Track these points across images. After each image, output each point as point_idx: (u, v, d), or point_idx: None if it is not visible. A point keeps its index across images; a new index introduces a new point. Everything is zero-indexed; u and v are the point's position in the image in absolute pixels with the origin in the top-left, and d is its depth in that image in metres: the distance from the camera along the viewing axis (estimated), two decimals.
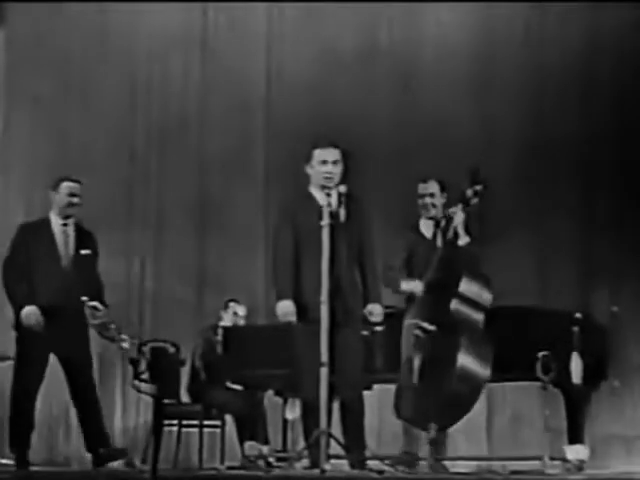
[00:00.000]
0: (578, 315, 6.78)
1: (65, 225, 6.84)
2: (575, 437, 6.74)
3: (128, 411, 9.15)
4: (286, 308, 5.91)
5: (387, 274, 6.72)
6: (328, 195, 5.89)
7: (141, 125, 9.62)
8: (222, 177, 9.46)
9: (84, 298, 6.68)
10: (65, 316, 6.62)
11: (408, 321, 6.37)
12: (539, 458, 6.30)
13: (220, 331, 7.82)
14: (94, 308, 6.73)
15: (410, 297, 6.62)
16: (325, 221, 5.76)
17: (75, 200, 6.84)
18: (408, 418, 6.40)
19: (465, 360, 6.12)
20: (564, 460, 6.75)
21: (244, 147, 9.54)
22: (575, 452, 6.78)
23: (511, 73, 9.37)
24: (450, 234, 6.50)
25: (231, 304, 8.49)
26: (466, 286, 6.31)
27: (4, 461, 7.44)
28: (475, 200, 6.53)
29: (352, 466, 5.92)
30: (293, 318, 5.92)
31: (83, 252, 6.84)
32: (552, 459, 6.34)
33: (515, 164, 9.23)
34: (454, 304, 6.27)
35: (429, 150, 9.24)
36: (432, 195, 6.80)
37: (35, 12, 9.33)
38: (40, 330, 6.57)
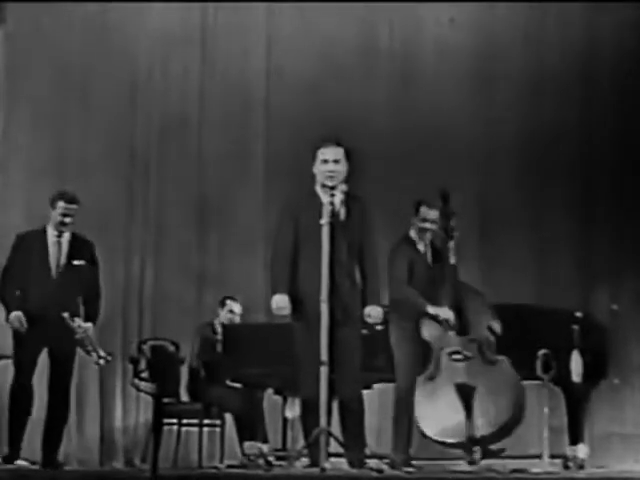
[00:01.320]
0: (578, 314, 6.80)
1: (59, 237, 7.04)
2: (575, 435, 6.75)
3: (128, 410, 9.14)
4: (280, 302, 5.91)
5: (408, 289, 6.75)
6: (332, 195, 5.87)
7: (141, 124, 9.59)
8: (222, 176, 9.45)
9: (65, 314, 6.88)
10: (52, 323, 6.85)
11: (449, 348, 6.48)
12: (539, 456, 6.30)
13: (220, 330, 7.82)
14: (77, 325, 6.91)
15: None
16: (325, 219, 5.74)
17: (67, 220, 7.02)
18: (450, 443, 6.49)
19: (518, 389, 6.32)
20: (564, 458, 6.76)
21: (244, 146, 9.53)
22: (575, 450, 6.79)
23: (511, 73, 9.37)
24: (450, 255, 6.65)
25: (227, 301, 8.47)
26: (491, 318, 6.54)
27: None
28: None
29: (351, 465, 5.90)
30: (287, 312, 5.92)
31: (76, 263, 7.01)
32: (552, 457, 6.34)
33: (515, 163, 9.23)
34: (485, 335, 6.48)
35: (429, 149, 9.25)
36: (434, 222, 6.86)
37: (35, 11, 9.32)
38: (23, 332, 6.85)
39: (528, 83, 9.36)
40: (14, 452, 6.89)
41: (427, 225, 6.85)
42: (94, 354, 6.95)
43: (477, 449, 6.34)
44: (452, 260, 6.65)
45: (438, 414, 6.40)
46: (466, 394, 6.32)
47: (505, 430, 6.31)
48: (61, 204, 7.01)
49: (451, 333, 6.50)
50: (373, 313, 5.96)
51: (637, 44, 9.21)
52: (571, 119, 9.27)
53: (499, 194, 9.19)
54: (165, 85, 9.66)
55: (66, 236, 7.05)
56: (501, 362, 6.38)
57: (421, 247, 6.90)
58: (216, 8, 9.70)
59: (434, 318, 6.54)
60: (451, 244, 6.65)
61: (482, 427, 6.27)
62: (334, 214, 5.81)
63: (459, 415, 6.32)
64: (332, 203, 5.83)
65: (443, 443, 6.53)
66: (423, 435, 6.58)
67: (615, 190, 9.13)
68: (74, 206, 7.04)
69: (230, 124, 9.55)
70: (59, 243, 7.02)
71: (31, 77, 9.33)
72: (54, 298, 6.89)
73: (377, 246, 6.09)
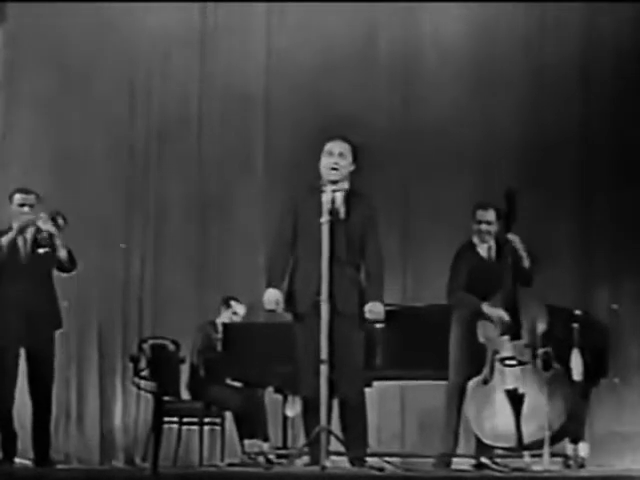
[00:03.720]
0: (578, 312, 6.80)
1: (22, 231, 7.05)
2: (575, 434, 6.75)
3: (128, 408, 9.15)
4: (272, 296, 5.90)
5: (460, 293, 6.77)
6: (334, 191, 5.86)
7: (141, 122, 9.60)
8: (222, 175, 9.46)
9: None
10: (27, 318, 6.84)
11: (502, 353, 6.51)
12: (540, 455, 6.31)
13: (220, 328, 7.81)
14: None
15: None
16: (325, 218, 5.74)
17: (25, 210, 7.01)
18: (500, 447, 6.57)
19: (571, 397, 6.44)
20: (565, 457, 6.76)
21: (244, 144, 9.53)
22: (575, 449, 6.80)
23: (511, 73, 9.35)
24: (509, 258, 6.64)
25: (232, 302, 8.46)
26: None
27: None
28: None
29: (352, 463, 5.90)
30: (277, 307, 5.91)
31: (41, 251, 7.00)
32: (553, 456, 6.34)
33: (515, 163, 9.22)
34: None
35: (429, 149, 9.25)
36: (489, 223, 6.87)
37: (35, 10, 9.32)
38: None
39: (528, 83, 9.34)
40: (7, 456, 6.92)
41: (483, 227, 6.87)
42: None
43: (526, 454, 6.37)
44: (526, 261, 6.67)
45: (489, 417, 6.47)
46: (516, 400, 6.36)
47: (556, 437, 6.33)
48: (17, 196, 7.02)
49: (505, 338, 6.52)
50: (374, 309, 5.92)
51: (637, 44, 9.20)
52: (571, 119, 9.25)
53: (498, 194, 9.16)
54: (165, 84, 9.67)
55: (30, 229, 7.02)
56: (555, 369, 6.40)
57: (482, 251, 6.90)
58: (216, 7, 9.70)
59: (489, 319, 6.56)
60: (510, 245, 6.64)
61: (532, 433, 6.28)
62: (333, 212, 5.81)
63: (510, 420, 6.37)
64: (333, 200, 5.82)
65: (493, 446, 6.57)
66: (475, 437, 6.63)
67: (615, 190, 9.11)
68: (31, 196, 7.03)
69: (230, 123, 9.55)
70: (23, 237, 7.00)
71: (31, 76, 9.34)
72: (26, 292, 6.89)
73: (380, 243, 6.07)
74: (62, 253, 6.95)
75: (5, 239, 6.92)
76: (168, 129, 9.55)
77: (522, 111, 9.32)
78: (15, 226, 6.97)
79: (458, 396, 6.66)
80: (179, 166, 9.51)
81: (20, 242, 7.00)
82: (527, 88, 9.34)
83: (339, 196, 5.88)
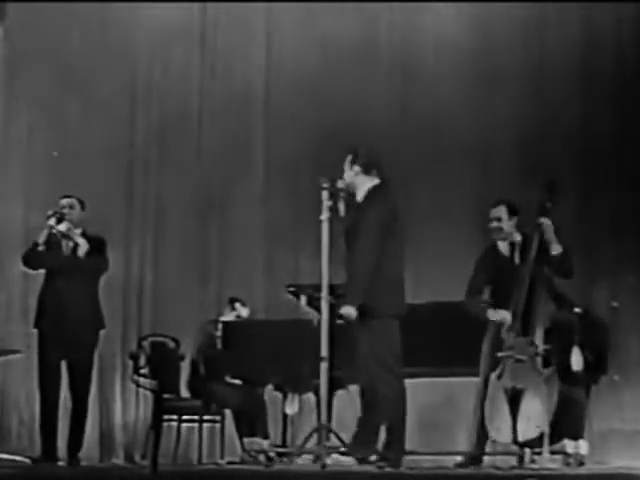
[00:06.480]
0: (578, 310, 6.79)
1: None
2: (575, 432, 6.75)
3: (128, 406, 9.15)
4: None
5: (472, 300, 6.77)
6: (332, 194, 5.91)
7: (140, 121, 9.60)
8: (222, 171, 9.46)
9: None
10: (73, 316, 7.02)
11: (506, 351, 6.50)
12: (539, 453, 6.31)
13: (220, 326, 7.81)
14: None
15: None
16: (325, 215, 5.76)
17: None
18: (503, 443, 6.57)
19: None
20: (564, 454, 6.76)
21: (244, 142, 9.53)
22: (575, 447, 6.79)
23: (511, 71, 9.35)
24: (532, 251, 6.54)
25: (237, 305, 8.43)
26: None
27: (3, 456, 7.48)
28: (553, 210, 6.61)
29: (392, 466, 5.86)
30: None
31: (80, 255, 7.18)
32: (552, 453, 6.35)
33: (514, 162, 9.22)
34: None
35: (428, 147, 9.25)
36: (499, 220, 6.79)
37: (35, 9, 9.32)
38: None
39: (528, 82, 9.34)
40: (47, 453, 7.07)
41: (493, 225, 6.81)
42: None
43: (527, 452, 6.37)
44: (556, 248, 6.54)
45: (497, 414, 6.45)
46: (513, 397, 6.35)
47: (556, 435, 6.33)
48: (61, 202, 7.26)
49: (512, 334, 6.50)
50: (344, 313, 5.95)
51: (637, 43, 9.20)
52: (571, 118, 9.25)
53: (498, 192, 9.17)
54: (165, 82, 9.67)
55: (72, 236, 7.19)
56: (555, 367, 6.40)
57: (503, 249, 6.84)
58: (216, 5, 9.70)
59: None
60: (549, 233, 6.55)
61: (532, 431, 6.28)
62: (332, 210, 5.84)
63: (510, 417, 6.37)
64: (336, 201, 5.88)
65: (496, 442, 6.59)
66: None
67: (615, 187, 9.11)
68: (66, 200, 7.28)
69: (230, 121, 9.55)
70: (66, 244, 7.18)
71: (31, 74, 9.34)
72: (68, 295, 7.05)
73: (371, 242, 6.07)
74: (82, 248, 7.00)
75: (41, 239, 7.03)
76: (168, 127, 9.54)
77: (522, 108, 9.31)
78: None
79: (481, 395, 6.64)
80: (179, 164, 9.50)
81: (64, 247, 7.10)
82: (528, 86, 9.33)
83: (326, 193, 5.95)
